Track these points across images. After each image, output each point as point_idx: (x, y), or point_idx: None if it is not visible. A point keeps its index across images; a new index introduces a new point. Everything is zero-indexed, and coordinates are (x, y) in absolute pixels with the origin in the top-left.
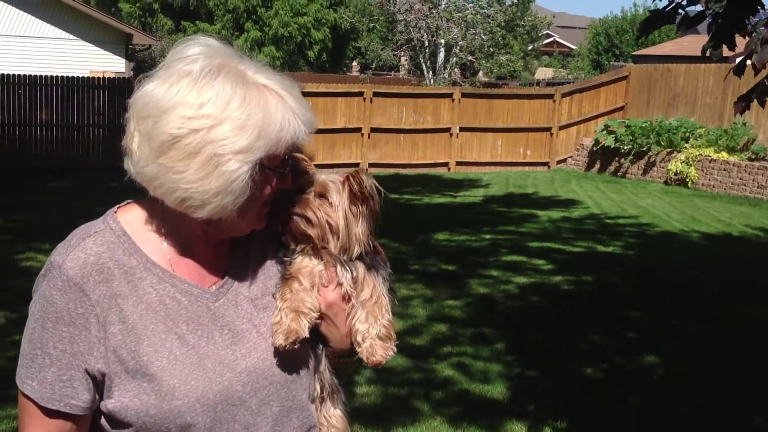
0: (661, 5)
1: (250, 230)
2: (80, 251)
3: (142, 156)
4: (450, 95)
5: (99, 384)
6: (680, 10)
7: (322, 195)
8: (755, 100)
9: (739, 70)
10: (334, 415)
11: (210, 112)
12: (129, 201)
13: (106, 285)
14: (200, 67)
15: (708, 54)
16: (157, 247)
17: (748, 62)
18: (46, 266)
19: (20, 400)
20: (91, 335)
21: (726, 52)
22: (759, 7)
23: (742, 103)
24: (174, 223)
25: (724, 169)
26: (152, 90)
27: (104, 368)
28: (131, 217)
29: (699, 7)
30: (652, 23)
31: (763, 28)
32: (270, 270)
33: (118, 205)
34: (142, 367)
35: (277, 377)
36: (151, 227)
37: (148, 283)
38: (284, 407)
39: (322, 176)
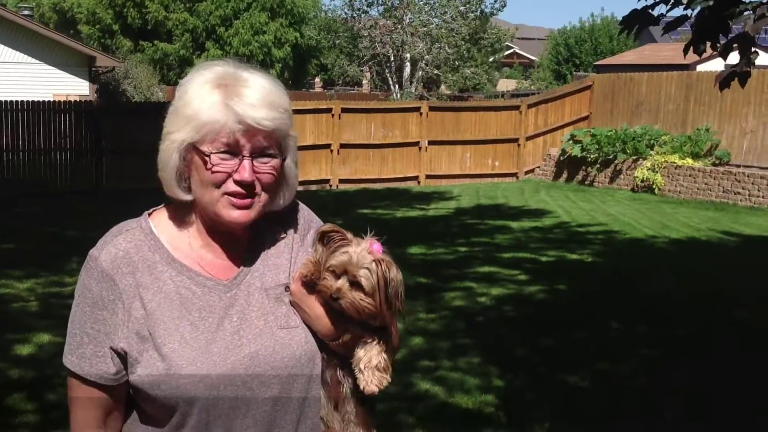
0: (644, 4)
1: (232, 218)
2: (112, 246)
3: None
4: (418, 109)
5: (123, 360)
6: (662, 11)
7: (355, 283)
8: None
9: (725, 52)
10: (354, 411)
11: (174, 104)
12: (162, 205)
13: (132, 276)
14: (195, 75)
15: (691, 52)
16: (179, 244)
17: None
18: (87, 258)
19: (68, 376)
20: (117, 318)
21: (691, 57)
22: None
23: (726, 81)
24: (193, 222)
25: (690, 175)
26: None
27: (126, 347)
28: (160, 218)
29: (681, 10)
30: (634, 20)
31: (750, 11)
32: (283, 263)
33: (153, 208)
34: (157, 347)
35: (277, 363)
36: (176, 227)
37: (168, 275)
38: (284, 389)
39: (350, 252)
